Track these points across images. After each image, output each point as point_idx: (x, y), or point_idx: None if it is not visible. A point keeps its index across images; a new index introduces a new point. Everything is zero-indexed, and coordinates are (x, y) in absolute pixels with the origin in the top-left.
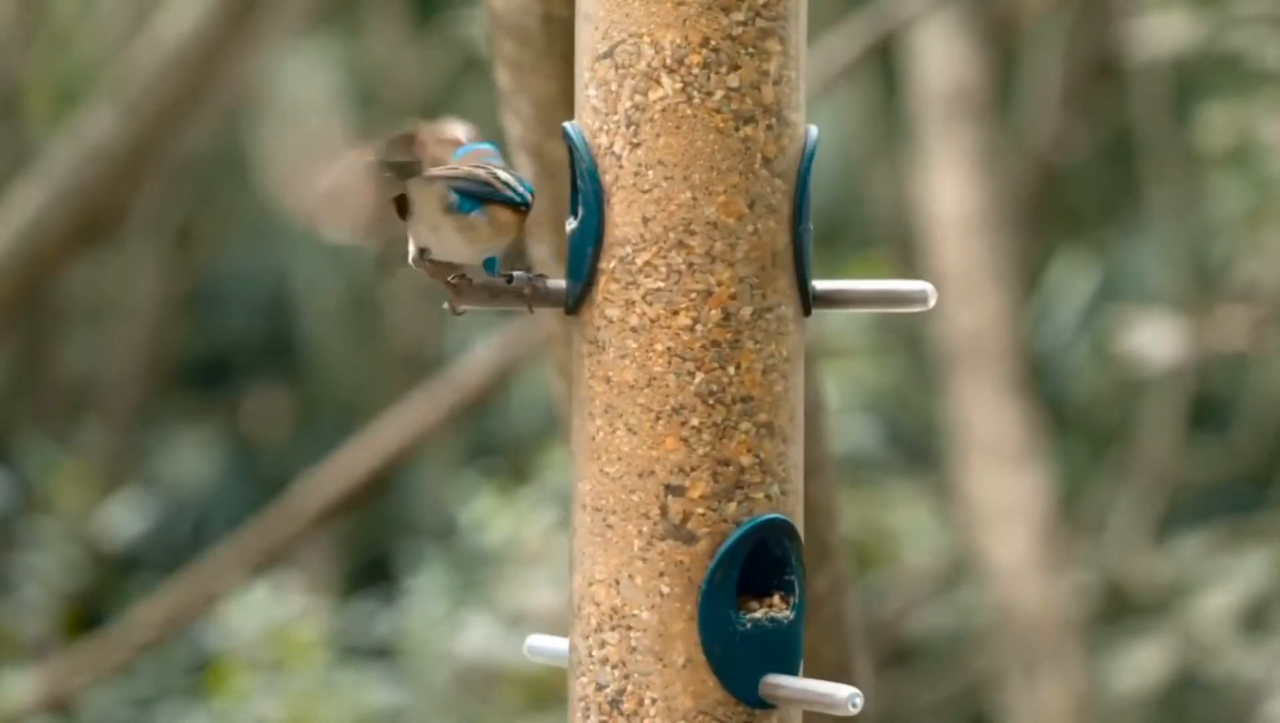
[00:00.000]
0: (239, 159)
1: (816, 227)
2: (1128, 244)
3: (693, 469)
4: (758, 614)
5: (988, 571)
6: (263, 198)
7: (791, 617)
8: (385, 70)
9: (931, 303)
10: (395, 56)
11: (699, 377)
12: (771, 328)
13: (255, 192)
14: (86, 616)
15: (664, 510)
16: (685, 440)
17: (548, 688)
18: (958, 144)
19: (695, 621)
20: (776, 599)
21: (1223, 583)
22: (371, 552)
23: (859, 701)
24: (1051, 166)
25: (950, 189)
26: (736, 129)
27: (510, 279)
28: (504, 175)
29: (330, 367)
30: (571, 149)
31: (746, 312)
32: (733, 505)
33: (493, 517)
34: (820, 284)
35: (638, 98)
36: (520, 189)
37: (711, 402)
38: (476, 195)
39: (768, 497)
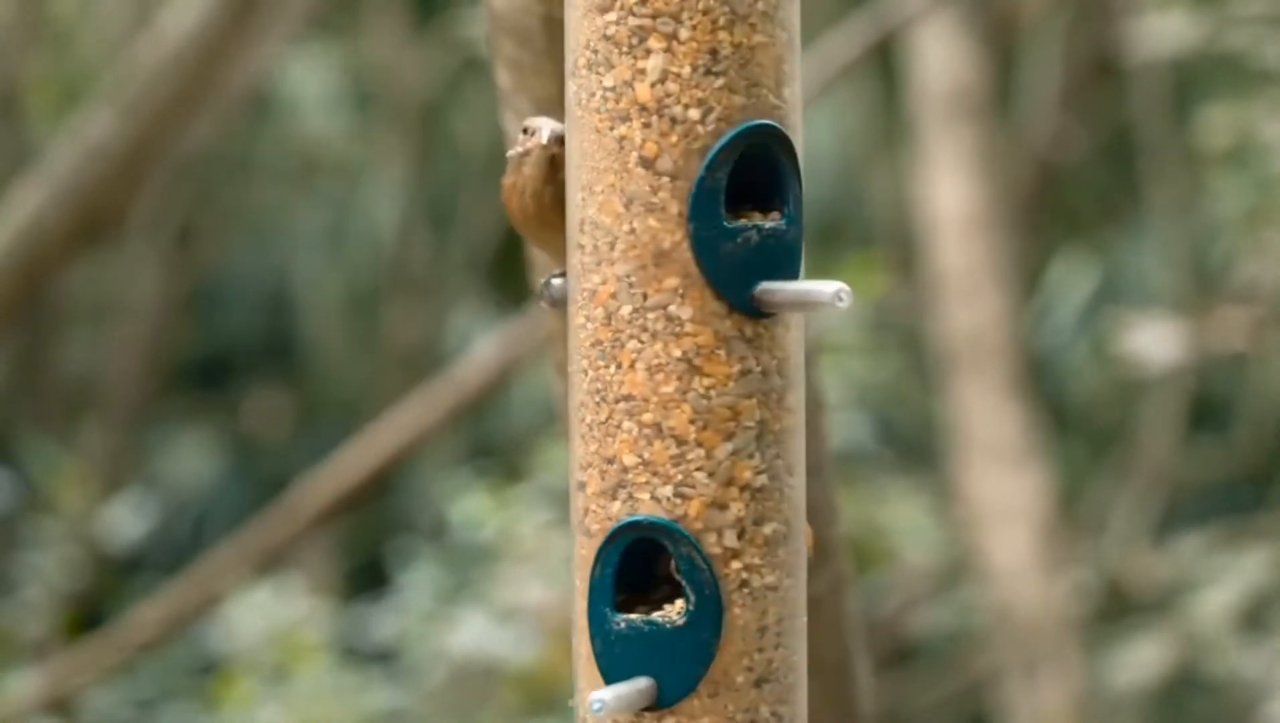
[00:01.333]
0: (239, 159)
1: (813, 226)
2: (1128, 244)
3: (588, 466)
4: (633, 616)
5: (987, 570)
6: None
7: (680, 623)
8: (385, 70)
9: (845, 304)
10: (395, 56)
11: (589, 375)
12: (657, 327)
13: (255, 192)
14: (86, 616)
15: (576, 506)
16: (583, 437)
17: (546, 688)
18: (958, 144)
19: (587, 616)
20: (680, 603)
21: (1222, 582)
22: (371, 552)
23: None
24: (1051, 166)
25: (950, 189)
26: (612, 128)
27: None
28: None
29: (330, 367)
30: None
31: (626, 311)
32: (617, 504)
33: (486, 514)
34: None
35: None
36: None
37: (598, 400)
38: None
39: (654, 498)
